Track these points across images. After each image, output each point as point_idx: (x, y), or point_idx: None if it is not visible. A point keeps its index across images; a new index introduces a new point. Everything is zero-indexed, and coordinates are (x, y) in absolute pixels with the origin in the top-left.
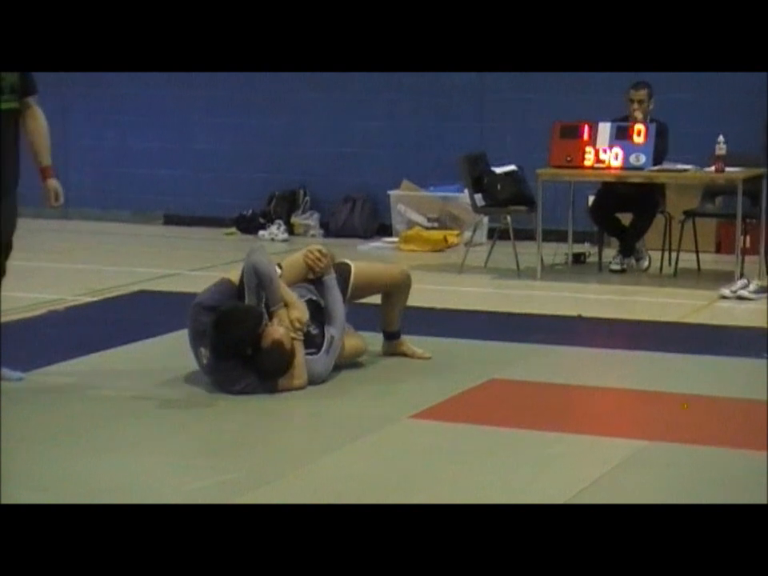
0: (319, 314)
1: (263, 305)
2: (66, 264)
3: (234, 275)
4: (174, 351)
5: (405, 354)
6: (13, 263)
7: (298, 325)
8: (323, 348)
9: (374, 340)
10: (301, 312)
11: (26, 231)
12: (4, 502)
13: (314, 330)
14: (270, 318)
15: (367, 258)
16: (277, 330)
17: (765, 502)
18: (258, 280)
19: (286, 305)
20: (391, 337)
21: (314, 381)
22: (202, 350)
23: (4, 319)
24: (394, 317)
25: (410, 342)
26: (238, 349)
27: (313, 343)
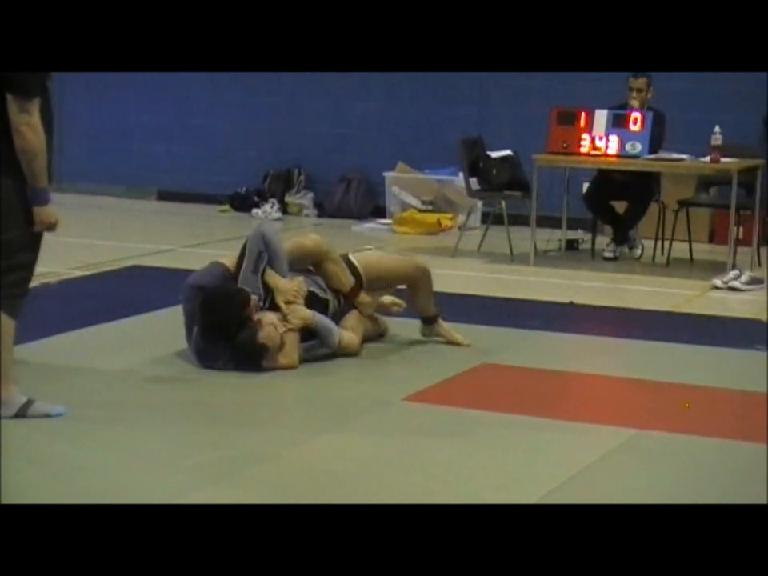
0: (318, 305)
1: (258, 276)
2: (60, 238)
3: (229, 260)
4: (166, 327)
5: (442, 338)
6: None
7: (295, 296)
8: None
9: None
10: (299, 283)
11: None
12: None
13: (321, 294)
14: (267, 289)
15: (360, 240)
16: (266, 328)
17: (745, 488)
18: (263, 247)
19: (271, 288)
20: (427, 321)
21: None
22: (195, 329)
23: None
24: (421, 304)
25: (451, 329)
26: (224, 329)
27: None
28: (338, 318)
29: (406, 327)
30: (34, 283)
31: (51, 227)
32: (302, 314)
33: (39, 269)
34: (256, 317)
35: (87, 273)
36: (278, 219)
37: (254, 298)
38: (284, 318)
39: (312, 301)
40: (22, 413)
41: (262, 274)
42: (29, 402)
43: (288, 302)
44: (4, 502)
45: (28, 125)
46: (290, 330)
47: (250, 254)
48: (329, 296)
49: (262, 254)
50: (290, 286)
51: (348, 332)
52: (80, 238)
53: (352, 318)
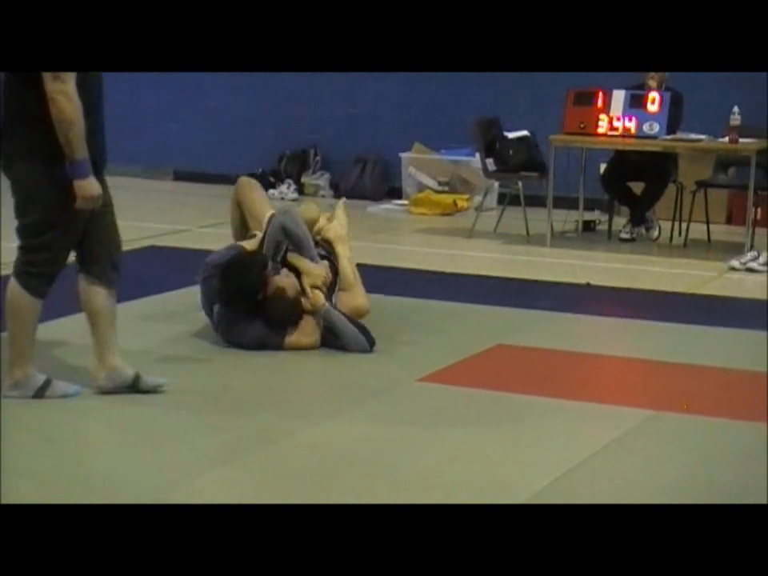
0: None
1: (277, 263)
2: None
3: (248, 244)
4: (183, 307)
5: None
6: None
7: (323, 281)
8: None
9: (380, 302)
10: (326, 270)
11: None
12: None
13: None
14: (294, 270)
15: (376, 220)
16: (281, 279)
17: (761, 469)
18: (282, 237)
19: (301, 270)
20: None
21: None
22: (215, 307)
23: (5, 272)
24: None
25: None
26: (248, 294)
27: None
28: None
29: (420, 308)
30: None
31: (94, 202)
32: (320, 302)
33: None
34: (273, 279)
35: None
36: (294, 200)
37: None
38: (304, 295)
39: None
40: (40, 393)
41: (284, 258)
42: (47, 383)
43: (314, 286)
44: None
45: (62, 93)
46: (307, 311)
47: (269, 242)
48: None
49: (281, 243)
50: (318, 271)
51: (354, 296)
52: None
53: (346, 275)
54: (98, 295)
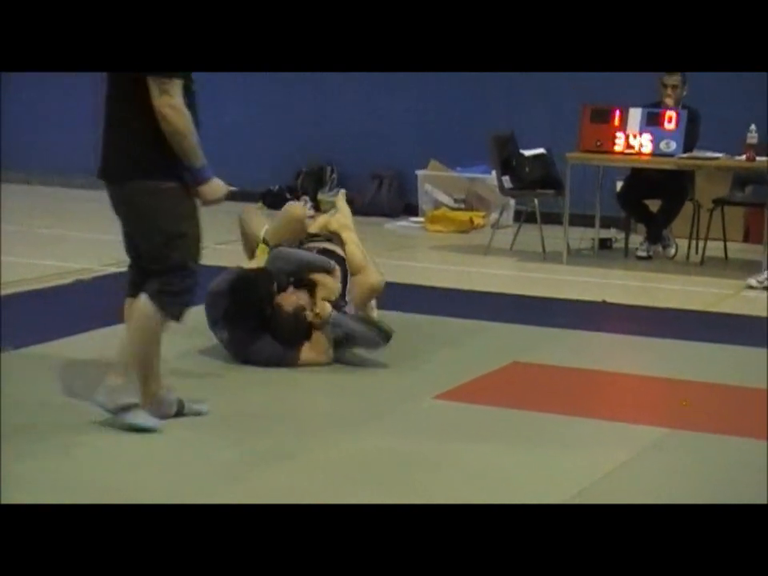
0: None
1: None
2: (94, 234)
3: (254, 264)
4: (198, 324)
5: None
6: (42, 231)
7: (334, 295)
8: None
9: (396, 318)
10: (338, 285)
11: (54, 200)
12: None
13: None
14: (309, 281)
15: (392, 238)
16: (283, 296)
17: None
18: (281, 266)
19: (317, 283)
20: None
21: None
22: (225, 332)
23: (31, 287)
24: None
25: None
26: (257, 309)
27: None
28: None
29: (436, 325)
30: (68, 279)
31: (219, 201)
32: (326, 311)
33: (74, 264)
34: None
35: (121, 269)
36: (311, 217)
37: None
38: (312, 308)
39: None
40: (180, 411)
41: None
42: (181, 402)
43: (326, 299)
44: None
45: (171, 106)
46: (314, 321)
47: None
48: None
49: (281, 270)
50: (332, 284)
51: (370, 273)
52: (113, 235)
53: (354, 252)
54: (155, 320)
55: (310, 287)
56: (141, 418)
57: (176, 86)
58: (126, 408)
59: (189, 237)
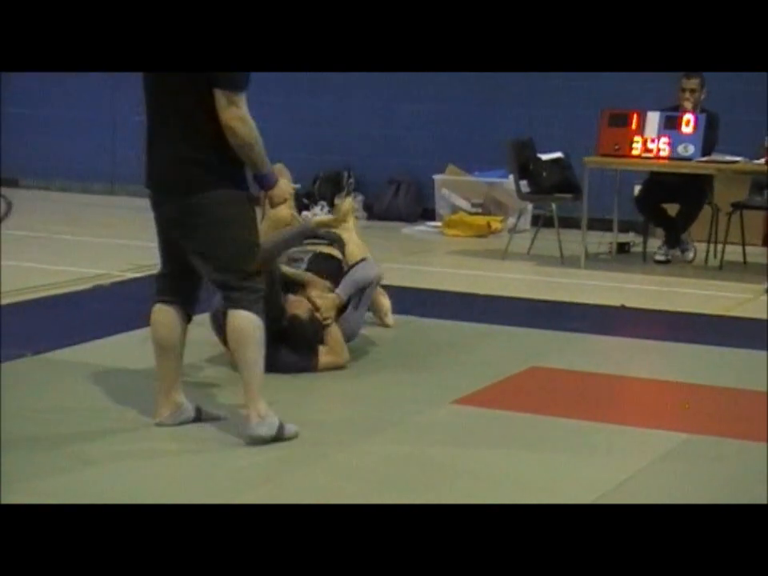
0: (330, 265)
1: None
2: (112, 239)
3: None
4: (201, 334)
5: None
6: (61, 237)
7: (322, 307)
8: (350, 305)
9: (413, 323)
10: (320, 283)
11: (74, 206)
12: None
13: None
14: (296, 285)
15: (410, 242)
16: (293, 305)
17: None
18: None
19: (307, 284)
20: None
21: (349, 338)
22: None
23: (50, 293)
24: None
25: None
26: (270, 322)
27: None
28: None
29: (453, 330)
30: (87, 284)
31: (287, 201)
32: (329, 301)
33: (92, 270)
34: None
35: (139, 274)
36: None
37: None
38: (317, 309)
39: (322, 260)
40: (279, 435)
41: (283, 278)
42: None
43: (319, 296)
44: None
45: (239, 119)
46: (327, 319)
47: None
48: (334, 251)
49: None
50: (321, 280)
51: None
52: (132, 240)
53: (356, 250)
54: (181, 329)
55: (302, 288)
56: (289, 429)
57: (242, 99)
58: (281, 429)
59: (258, 245)
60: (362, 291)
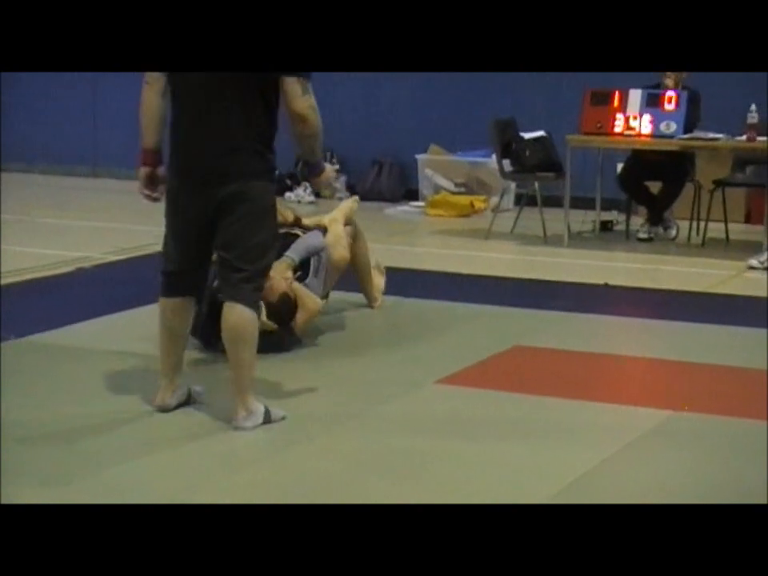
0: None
1: None
2: (95, 222)
3: None
4: None
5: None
6: (43, 221)
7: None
8: (310, 272)
9: (396, 304)
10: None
11: (57, 189)
12: None
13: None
14: None
15: (393, 223)
16: (277, 283)
17: None
18: None
19: None
20: None
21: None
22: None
23: (32, 276)
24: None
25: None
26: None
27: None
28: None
29: (437, 310)
30: (69, 268)
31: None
32: (283, 265)
33: (75, 253)
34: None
35: (122, 257)
36: (312, 203)
37: None
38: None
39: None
40: (267, 418)
41: None
42: (267, 411)
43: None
44: None
45: (312, 107)
46: (287, 279)
47: None
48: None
49: None
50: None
51: (336, 249)
52: (115, 223)
53: (330, 234)
54: (191, 317)
55: None
56: (276, 414)
57: (310, 87)
58: (268, 414)
59: (277, 240)
60: (317, 257)
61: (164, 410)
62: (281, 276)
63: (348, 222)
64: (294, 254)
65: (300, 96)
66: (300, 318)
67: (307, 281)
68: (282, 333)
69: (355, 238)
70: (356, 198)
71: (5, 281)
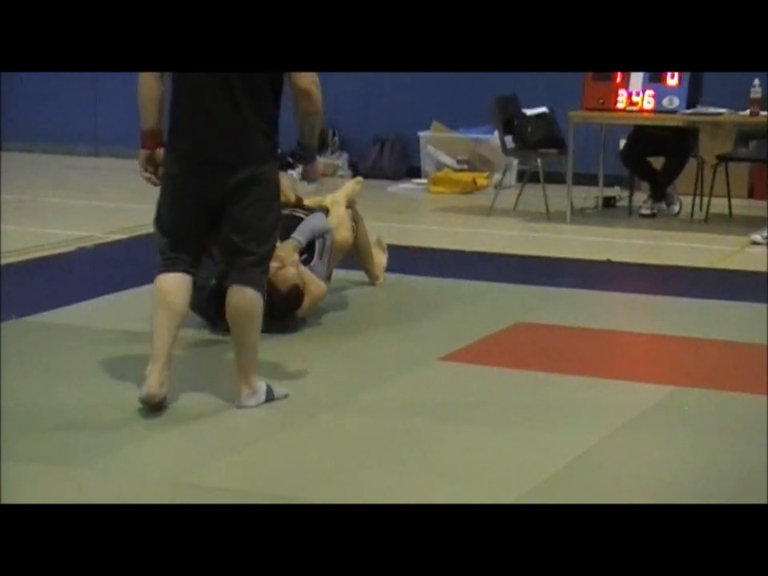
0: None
1: None
2: (97, 201)
3: None
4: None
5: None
6: (45, 200)
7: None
8: (315, 255)
9: (399, 281)
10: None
11: (58, 168)
12: None
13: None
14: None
15: (395, 200)
16: (288, 272)
17: None
18: None
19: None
20: None
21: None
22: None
23: (34, 255)
24: None
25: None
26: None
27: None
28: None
29: (439, 287)
30: (71, 247)
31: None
32: (289, 247)
33: (76, 232)
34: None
35: (124, 236)
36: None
37: None
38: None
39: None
40: (270, 396)
41: None
42: (269, 389)
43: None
44: None
45: (315, 83)
46: (293, 263)
47: None
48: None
49: None
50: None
51: (339, 231)
52: (116, 202)
53: (333, 216)
54: (189, 294)
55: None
56: (279, 393)
57: None
58: (270, 392)
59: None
60: (321, 240)
61: (151, 401)
62: (289, 258)
63: (349, 205)
64: (300, 236)
65: (305, 74)
66: (304, 303)
67: (312, 263)
68: (287, 319)
69: (356, 221)
70: (359, 179)
71: (5, 260)
